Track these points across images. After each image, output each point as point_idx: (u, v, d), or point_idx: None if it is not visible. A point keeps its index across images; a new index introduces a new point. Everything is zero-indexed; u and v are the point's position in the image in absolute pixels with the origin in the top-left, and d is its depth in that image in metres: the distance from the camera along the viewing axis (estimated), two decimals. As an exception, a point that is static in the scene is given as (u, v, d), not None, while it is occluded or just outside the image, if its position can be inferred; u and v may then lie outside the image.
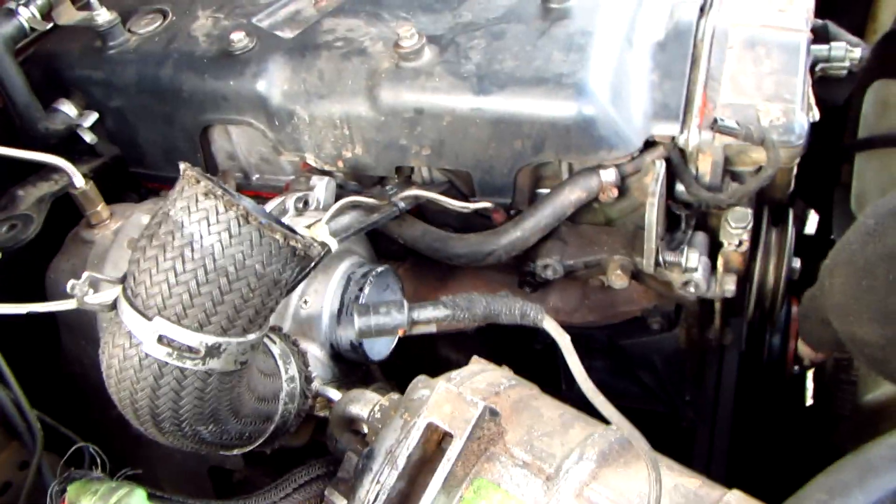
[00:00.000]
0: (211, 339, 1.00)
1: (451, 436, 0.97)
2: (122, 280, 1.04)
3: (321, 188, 1.57)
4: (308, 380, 1.32)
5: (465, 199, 1.59)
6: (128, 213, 1.61)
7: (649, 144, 1.45)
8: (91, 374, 1.61)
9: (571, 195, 1.45)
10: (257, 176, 1.81)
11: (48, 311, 1.64)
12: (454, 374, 1.16)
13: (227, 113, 1.67)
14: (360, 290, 1.45)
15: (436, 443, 1.01)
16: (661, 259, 1.41)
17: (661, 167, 1.40)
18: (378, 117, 1.52)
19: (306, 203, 1.53)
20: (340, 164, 1.63)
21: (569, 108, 1.39)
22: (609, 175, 1.44)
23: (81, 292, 1.02)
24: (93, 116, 1.78)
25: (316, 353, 1.45)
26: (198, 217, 0.96)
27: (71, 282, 1.02)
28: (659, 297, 1.61)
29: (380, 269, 1.49)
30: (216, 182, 0.98)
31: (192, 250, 0.96)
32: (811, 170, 1.63)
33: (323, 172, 1.68)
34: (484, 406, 0.96)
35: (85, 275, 1.03)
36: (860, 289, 1.02)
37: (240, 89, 1.62)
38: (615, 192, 1.45)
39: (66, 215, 1.63)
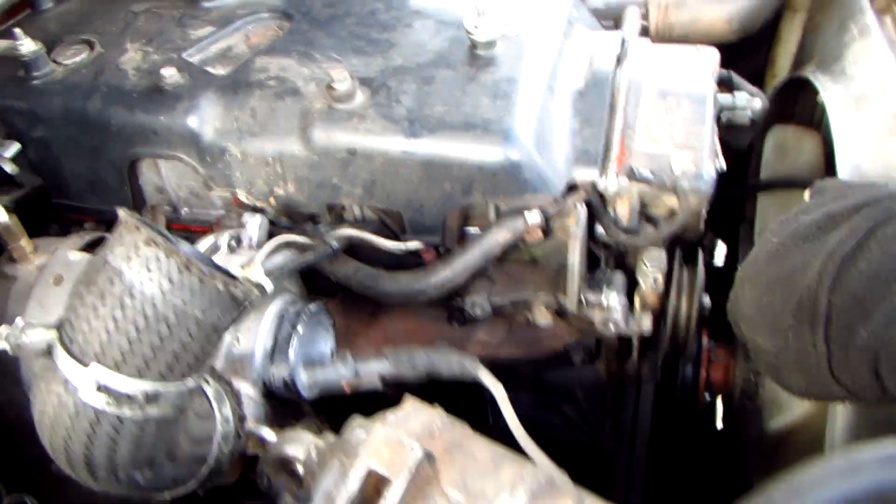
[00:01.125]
0: (150, 387, 1.01)
1: (389, 480, 1.01)
2: (58, 326, 1.04)
3: (253, 226, 1.59)
4: (242, 420, 1.34)
5: (396, 237, 1.63)
6: (52, 248, 1.58)
7: (571, 188, 1.53)
8: (7, 411, 1.59)
9: (499, 236, 1.51)
10: (186, 210, 1.81)
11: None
12: (389, 415, 1.19)
13: (157, 147, 1.67)
14: (293, 327, 1.47)
15: (374, 486, 1.04)
16: (583, 298, 1.49)
17: (581, 211, 1.48)
18: (311, 156, 1.56)
19: (239, 241, 1.55)
20: (272, 200, 1.65)
21: (496, 154, 1.45)
22: (534, 217, 1.51)
23: (15, 338, 1.01)
24: (14, 147, 1.75)
25: (248, 391, 1.45)
26: (138, 265, 0.98)
27: (3, 327, 1.01)
28: (580, 333, 1.68)
29: (312, 307, 1.51)
30: (155, 228, 1.00)
31: (132, 297, 0.98)
32: (719, 207, 1.74)
33: (254, 209, 1.70)
34: (422, 451, 1.00)
35: (18, 320, 1.02)
36: (761, 304, 1.13)
37: (171, 125, 1.63)
38: (540, 234, 1.51)
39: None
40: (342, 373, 0.95)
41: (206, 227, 1.80)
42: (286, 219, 1.72)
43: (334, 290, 1.80)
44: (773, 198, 1.98)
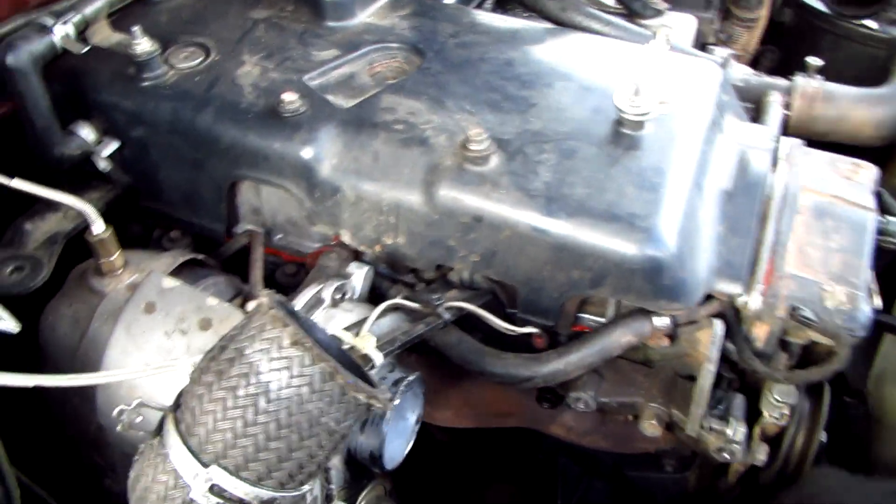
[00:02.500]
0: (266, 495, 0.91)
1: None
2: (175, 408, 0.94)
3: (359, 277, 1.49)
4: (329, 498, 1.24)
5: (503, 309, 1.53)
6: (143, 267, 1.49)
7: (706, 297, 1.41)
8: (71, 421, 1.50)
9: (622, 338, 1.40)
10: (280, 236, 1.71)
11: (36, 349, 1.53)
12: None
13: (265, 173, 1.56)
14: (390, 400, 1.36)
15: None
16: (704, 424, 1.37)
17: (719, 330, 1.36)
18: (431, 214, 1.45)
19: (344, 294, 1.44)
20: (378, 248, 1.54)
21: (638, 252, 1.34)
22: (662, 323, 1.40)
23: (129, 420, 0.91)
24: (113, 145, 1.65)
25: (332, 461, 1.36)
26: (279, 366, 0.88)
27: (120, 407, 0.91)
28: (678, 442, 1.57)
29: (412, 378, 1.41)
30: (301, 324, 0.90)
31: (268, 400, 0.88)
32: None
33: (355, 252, 1.59)
34: None
35: (136, 401, 0.93)
36: None
37: (284, 153, 1.52)
38: (666, 342, 1.40)
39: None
40: None
41: (299, 258, 1.70)
42: (386, 266, 1.62)
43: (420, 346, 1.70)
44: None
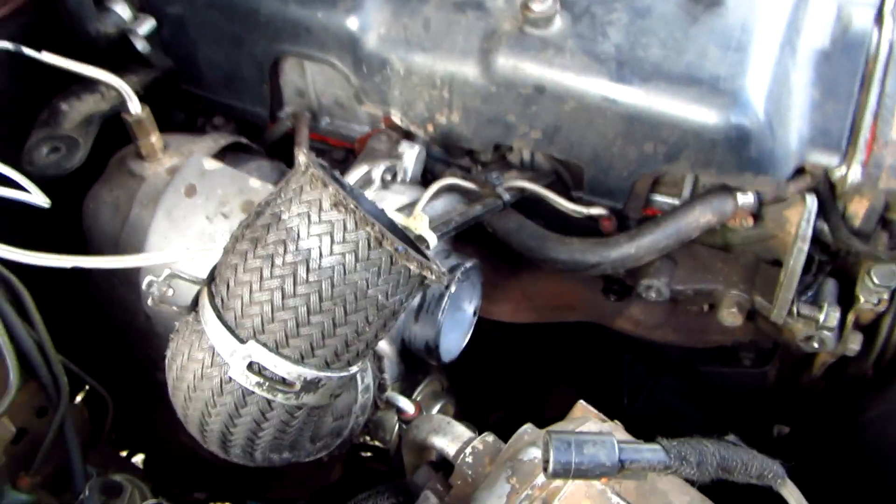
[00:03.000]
0: (311, 374, 0.83)
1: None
2: (209, 281, 0.86)
3: (411, 157, 1.38)
4: (381, 388, 1.17)
5: (567, 193, 1.40)
6: (184, 150, 1.41)
7: (797, 171, 1.26)
8: (118, 313, 1.46)
9: (701, 218, 1.27)
10: (327, 120, 1.60)
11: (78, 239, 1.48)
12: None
13: (308, 47, 1.44)
14: (447, 286, 1.27)
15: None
16: (794, 310, 1.24)
17: (812, 204, 1.22)
18: (488, 86, 1.32)
19: (394, 175, 1.34)
20: (430, 128, 1.42)
21: (722, 119, 1.19)
22: (747, 200, 1.26)
23: (160, 292, 0.83)
24: (149, 22, 1.55)
25: (385, 349, 1.28)
26: (319, 231, 0.78)
27: (149, 278, 0.83)
28: (758, 333, 1.45)
29: (469, 265, 1.31)
30: (344, 187, 0.79)
31: (308, 269, 0.78)
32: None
33: (406, 133, 1.48)
34: (632, 512, 0.81)
35: (166, 272, 0.84)
36: None
37: (328, 24, 1.40)
38: (750, 221, 1.27)
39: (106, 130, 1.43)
40: (603, 462, 0.72)
41: (347, 143, 1.60)
42: (439, 150, 1.50)
43: (477, 234, 1.59)
44: None
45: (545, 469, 0.74)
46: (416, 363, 1.39)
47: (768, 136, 1.20)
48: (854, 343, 1.29)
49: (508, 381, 2.02)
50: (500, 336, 1.92)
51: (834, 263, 1.36)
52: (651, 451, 0.77)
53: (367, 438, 1.82)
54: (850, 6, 1.37)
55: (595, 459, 0.73)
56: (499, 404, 1.93)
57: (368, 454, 1.91)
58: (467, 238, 1.58)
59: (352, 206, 0.76)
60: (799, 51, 1.29)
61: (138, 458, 1.89)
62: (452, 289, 1.27)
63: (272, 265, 0.79)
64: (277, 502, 1.86)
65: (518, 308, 1.63)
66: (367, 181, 1.31)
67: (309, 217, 0.78)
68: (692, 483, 0.80)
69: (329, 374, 0.84)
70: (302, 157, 0.80)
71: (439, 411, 1.39)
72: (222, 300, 0.82)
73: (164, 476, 1.75)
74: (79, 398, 1.61)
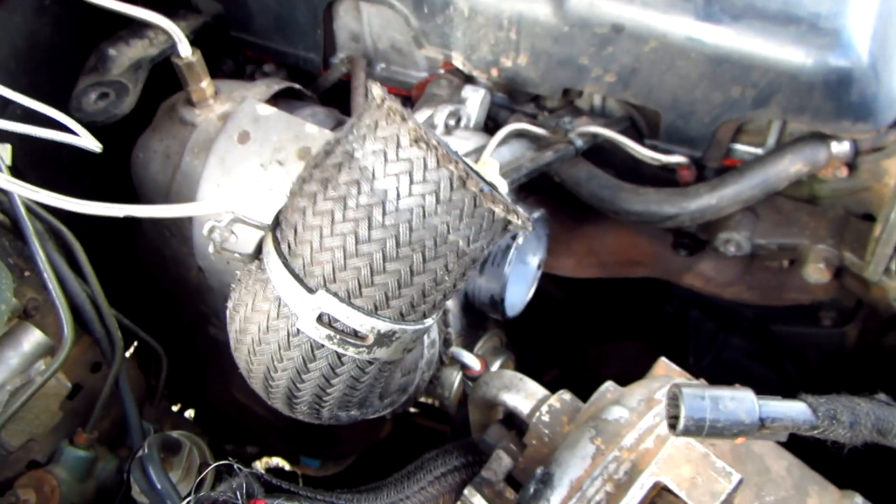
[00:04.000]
0: (384, 326, 0.76)
1: (674, 496, 0.75)
2: (274, 226, 0.79)
3: (474, 102, 1.30)
4: (447, 342, 1.11)
5: (642, 141, 1.31)
6: (236, 96, 1.34)
7: (898, 120, 1.16)
8: (170, 267, 1.41)
9: (791, 167, 1.17)
10: (383, 65, 1.53)
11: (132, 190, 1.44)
12: (645, 387, 0.93)
13: (352, -12, 1.37)
14: (513, 237, 1.20)
15: (650, 498, 0.80)
16: (892, 267, 1.15)
17: (917, 154, 1.12)
18: (561, 26, 1.23)
19: (458, 120, 1.26)
20: (495, 72, 1.34)
21: (821, 61, 1.09)
22: (842, 149, 1.16)
23: (222, 238, 0.77)
24: (198, -37, 1.48)
25: (449, 302, 1.22)
26: (397, 169, 0.71)
27: (210, 223, 0.77)
28: (841, 291, 1.36)
29: (536, 214, 1.23)
30: (425, 125, 0.72)
31: (384, 213, 0.71)
32: None
33: (468, 78, 1.40)
34: (738, 479, 0.74)
35: (227, 217, 0.78)
36: None
37: (388, -39, 1.32)
38: (845, 172, 1.17)
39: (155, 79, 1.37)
40: (741, 419, 0.64)
41: (405, 90, 1.52)
42: (503, 96, 1.41)
43: (542, 185, 1.51)
44: None
45: (672, 426, 0.67)
46: (477, 318, 1.33)
47: (871, 80, 1.10)
48: (952, 304, 1.19)
49: (562, 338, 1.95)
50: (558, 296, 1.85)
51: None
52: (796, 409, 0.69)
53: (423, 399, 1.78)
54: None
55: (733, 416, 0.66)
56: (553, 361, 1.87)
57: (416, 410, 1.86)
58: (531, 188, 1.51)
59: (434, 141, 0.69)
60: (904, -15, 1.18)
61: (189, 413, 1.88)
62: (520, 240, 1.20)
63: (345, 207, 0.72)
64: (330, 458, 1.84)
65: (582, 263, 1.56)
66: (429, 125, 1.24)
67: (385, 154, 0.71)
68: (841, 447, 0.72)
69: (404, 326, 0.77)
70: (377, 89, 0.73)
71: (500, 367, 1.34)
72: (289, 246, 0.76)
73: (216, 431, 1.73)
74: (130, 352, 1.59)
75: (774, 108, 1.16)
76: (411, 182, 0.70)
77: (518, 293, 1.30)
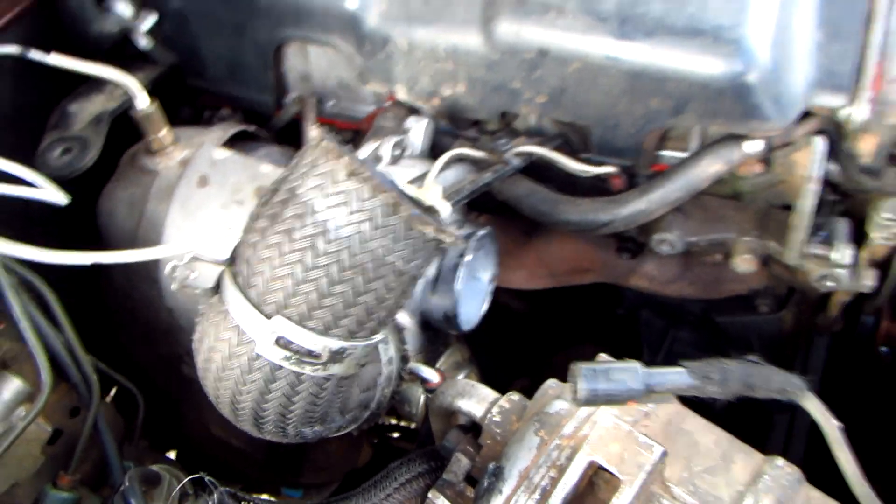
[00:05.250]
0: (336, 344, 0.84)
1: (618, 480, 0.84)
2: (231, 261, 0.87)
3: (418, 131, 1.39)
4: (405, 359, 1.18)
5: (576, 154, 1.41)
6: (194, 142, 1.42)
7: (804, 114, 1.26)
8: (140, 310, 1.48)
9: (710, 168, 1.27)
10: (332, 102, 1.61)
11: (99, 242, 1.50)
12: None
13: (310, 31, 1.45)
14: (461, 255, 1.29)
15: (588, 477, 0.88)
16: (805, 250, 1.25)
17: (821, 146, 1.22)
18: (492, 54, 1.32)
19: (403, 150, 1.35)
20: (436, 101, 1.43)
21: (726, 68, 1.19)
22: (755, 147, 1.26)
23: (183, 276, 0.85)
24: (151, 19, 1.56)
25: (406, 321, 1.30)
26: (336, 201, 0.79)
27: (172, 263, 0.85)
28: (772, 279, 1.45)
29: (482, 232, 1.32)
30: (356, 158, 0.81)
31: (326, 241, 0.80)
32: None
33: (412, 109, 1.48)
34: (661, 451, 0.82)
35: (187, 256, 0.86)
36: None
37: (328, 5, 1.41)
38: (759, 168, 1.27)
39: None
40: (630, 386, 0.75)
41: (354, 124, 1.61)
42: (446, 122, 1.50)
43: (488, 203, 1.60)
44: None
45: (574, 399, 0.76)
46: (438, 335, 1.41)
47: (774, 82, 1.20)
48: (868, 279, 1.29)
49: (528, 348, 2.03)
50: (519, 308, 1.94)
51: (844, 203, 1.36)
52: (676, 374, 0.79)
53: (394, 420, 1.85)
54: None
55: (623, 385, 0.76)
56: (521, 371, 1.95)
57: (396, 434, 1.93)
58: (480, 208, 1.60)
59: (366, 174, 0.78)
60: (800, -6, 1.28)
61: (171, 455, 1.92)
62: (467, 257, 1.28)
63: (291, 239, 0.80)
64: (311, 487, 1.89)
65: (533, 274, 1.65)
66: (376, 157, 1.32)
67: (324, 188, 0.79)
68: (714, 403, 0.82)
69: (354, 343, 0.85)
70: (314, 130, 0.81)
71: (462, 380, 1.41)
72: (244, 278, 0.84)
73: (198, 469, 1.78)
74: (109, 397, 1.64)
75: (691, 115, 1.25)
76: (349, 212, 0.78)
77: (472, 308, 1.38)
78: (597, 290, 1.69)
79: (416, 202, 0.93)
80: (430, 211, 1.16)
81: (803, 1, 1.27)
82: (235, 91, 1.63)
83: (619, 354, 1.11)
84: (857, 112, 1.22)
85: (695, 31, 1.20)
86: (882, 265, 1.37)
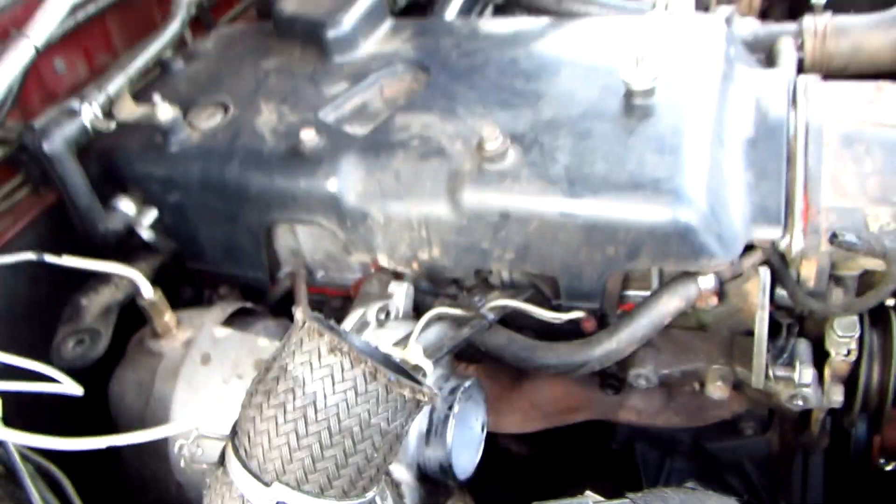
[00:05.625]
0: (332, 504, 0.92)
1: None
2: (232, 436, 0.97)
3: (400, 296, 1.51)
4: (403, 513, 1.25)
5: (548, 302, 1.52)
6: (196, 322, 1.54)
7: (747, 248, 1.39)
8: (151, 487, 1.54)
9: (669, 304, 1.38)
10: (322, 273, 1.75)
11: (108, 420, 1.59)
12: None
13: (296, 213, 1.60)
14: (449, 407, 1.37)
15: None
16: (770, 373, 1.34)
17: (766, 276, 1.34)
18: (459, 221, 1.46)
19: (387, 314, 1.46)
20: (415, 265, 1.56)
21: (668, 216, 1.32)
22: (708, 282, 1.38)
23: (191, 453, 0.94)
24: (152, 214, 1.72)
25: (402, 475, 1.37)
26: (321, 374, 0.89)
27: (179, 442, 0.94)
28: (752, 402, 1.53)
29: (468, 384, 1.41)
30: (338, 333, 0.92)
31: (316, 410, 0.89)
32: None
33: (395, 273, 1.62)
34: None
35: (193, 433, 0.96)
36: None
37: (311, 190, 1.56)
38: (714, 300, 1.38)
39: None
40: None
41: (343, 291, 1.74)
42: (427, 283, 1.63)
43: (476, 354, 1.70)
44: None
45: None
46: (437, 486, 1.47)
47: (714, 222, 1.34)
48: (836, 395, 1.37)
49: (531, 491, 2.06)
50: (520, 453, 2.00)
51: (801, 325, 1.46)
52: None
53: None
54: (765, 95, 1.54)
55: None
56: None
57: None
58: (469, 358, 1.70)
59: (345, 348, 0.88)
60: (727, 143, 1.44)
61: None
62: (456, 409, 1.37)
63: (285, 412, 0.90)
64: None
65: (527, 416, 1.72)
66: (363, 323, 1.44)
67: (311, 364, 0.90)
68: None
69: (349, 502, 0.93)
70: (299, 314, 0.93)
71: (467, 528, 1.46)
72: (245, 451, 0.93)
73: None
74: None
75: (644, 258, 1.38)
76: (333, 383, 0.89)
77: (466, 457, 1.44)
78: (593, 427, 1.76)
79: (399, 365, 1.03)
80: (416, 369, 1.26)
81: (730, 148, 1.43)
82: (232, 270, 1.76)
83: (621, 486, 1.17)
84: (794, 242, 1.35)
85: (636, 185, 1.35)
86: (848, 381, 1.45)
